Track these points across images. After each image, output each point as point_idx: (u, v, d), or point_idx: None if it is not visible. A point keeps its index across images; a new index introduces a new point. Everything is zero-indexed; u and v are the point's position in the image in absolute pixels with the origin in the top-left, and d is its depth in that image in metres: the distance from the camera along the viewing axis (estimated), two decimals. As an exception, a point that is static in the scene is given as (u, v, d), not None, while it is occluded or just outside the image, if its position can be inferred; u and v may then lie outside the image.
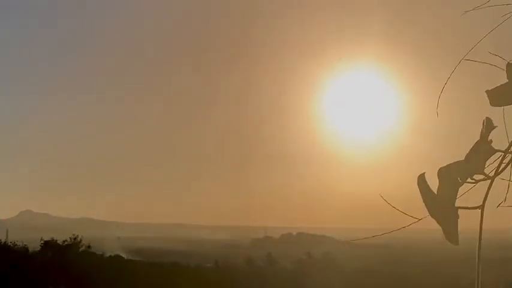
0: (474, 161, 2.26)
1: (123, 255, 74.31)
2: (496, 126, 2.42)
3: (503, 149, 2.48)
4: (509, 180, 2.41)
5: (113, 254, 70.38)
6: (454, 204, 2.20)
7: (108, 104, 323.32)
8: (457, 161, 2.32)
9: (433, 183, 2.50)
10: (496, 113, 2.70)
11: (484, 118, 2.51)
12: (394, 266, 62.55)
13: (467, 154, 2.32)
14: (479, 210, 2.35)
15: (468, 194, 2.41)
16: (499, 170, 2.33)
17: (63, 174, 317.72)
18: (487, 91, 2.51)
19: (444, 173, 2.23)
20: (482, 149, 2.29)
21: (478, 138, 2.52)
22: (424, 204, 2.26)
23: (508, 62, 2.54)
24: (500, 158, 2.44)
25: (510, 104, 2.50)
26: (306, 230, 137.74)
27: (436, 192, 2.24)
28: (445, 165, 2.27)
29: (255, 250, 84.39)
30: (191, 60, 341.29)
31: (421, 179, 2.27)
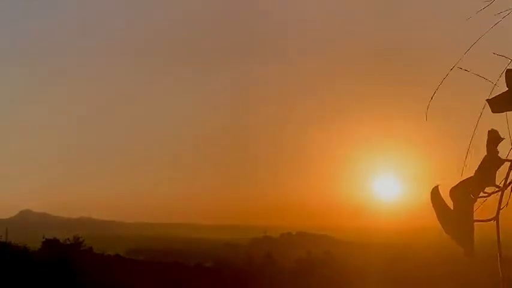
0: (485, 175, 2.25)
1: (123, 255, 74.26)
2: (504, 139, 2.41)
3: (507, 157, 2.48)
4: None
5: (112, 254, 70.35)
6: (472, 222, 2.18)
7: (109, 103, 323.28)
8: (467, 178, 2.31)
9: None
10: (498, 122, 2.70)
11: (489, 130, 2.50)
12: (394, 266, 62.48)
13: (477, 169, 2.32)
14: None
15: (476, 204, 2.41)
16: (509, 179, 2.33)
17: (63, 174, 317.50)
18: (487, 100, 2.50)
19: (457, 191, 2.22)
20: (491, 162, 2.29)
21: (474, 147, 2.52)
22: (437, 218, 2.23)
23: (507, 69, 2.53)
24: (509, 167, 2.44)
25: (511, 110, 2.49)
26: (306, 230, 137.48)
27: (450, 207, 2.23)
28: (455, 182, 2.26)
29: (254, 249, 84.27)
30: (195, 62, 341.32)
31: (435, 193, 2.24)
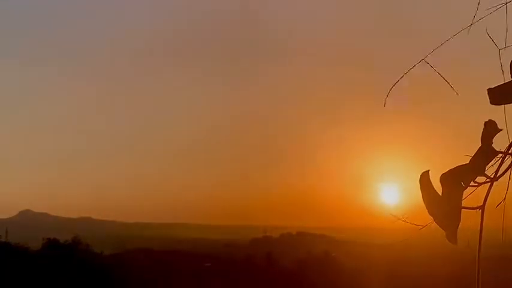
0: (477, 165, 2.28)
1: (123, 255, 74.26)
2: (501, 130, 2.44)
3: (503, 149, 2.51)
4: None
5: (112, 254, 70.35)
6: (459, 208, 2.21)
7: (110, 103, 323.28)
8: (459, 165, 2.34)
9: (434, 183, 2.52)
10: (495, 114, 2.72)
11: (485, 121, 2.52)
12: (393, 266, 62.54)
13: (472, 158, 2.35)
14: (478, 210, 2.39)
15: (466, 193, 2.44)
16: (499, 171, 2.36)
17: (63, 174, 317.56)
18: (488, 89, 2.51)
19: (447, 178, 2.25)
20: (485, 152, 2.31)
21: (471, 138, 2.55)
22: (423, 201, 2.27)
23: None
24: (500, 159, 2.47)
25: (510, 103, 2.50)
26: (306, 230, 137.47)
27: (439, 193, 2.26)
28: (447, 170, 2.29)
29: (254, 249, 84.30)
30: (196, 62, 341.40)
31: (425, 177, 2.28)
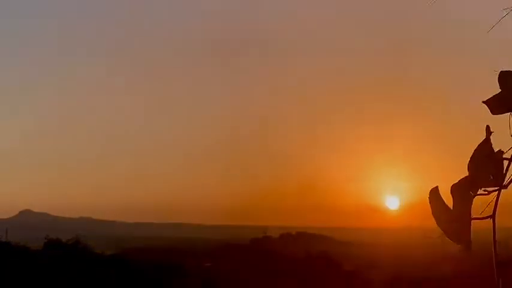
0: (489, 173, 2.27)
1: (123, 255, 74.17)
2: (493, 132, 2.45)
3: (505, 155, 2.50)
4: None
5: (112, 254, 70.28)
6: (469, 219, 2.21)
7: (109, 104, 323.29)
8: (467, 175, 2.33)
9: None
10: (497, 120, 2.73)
11: (486, 125, 2.52)
12: (394, 266, 62.58)
13: (477, 165, 2.34)
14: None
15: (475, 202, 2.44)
16: (506, 178, 2.35)
17: (63, 174, 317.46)
18: (484, 102, 2.52)
19: (457, 188, 2.24)
20: (493, 159, 2.31)
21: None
22: (433, 216, 2.25)
23: (500, 71, 2.55)
24: (506, 165, 2.47)
25: (510, 111, 2.51)
26: (305, 230, 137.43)
27: (448, 205, 2.25)
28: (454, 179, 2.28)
29: (254, 249, 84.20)
30: (197, 63, 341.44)
31: (434, 192, 2.26)
